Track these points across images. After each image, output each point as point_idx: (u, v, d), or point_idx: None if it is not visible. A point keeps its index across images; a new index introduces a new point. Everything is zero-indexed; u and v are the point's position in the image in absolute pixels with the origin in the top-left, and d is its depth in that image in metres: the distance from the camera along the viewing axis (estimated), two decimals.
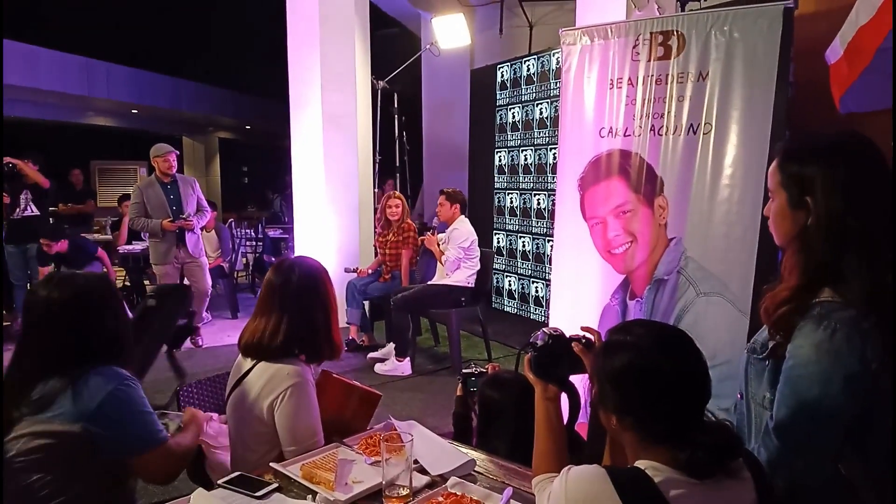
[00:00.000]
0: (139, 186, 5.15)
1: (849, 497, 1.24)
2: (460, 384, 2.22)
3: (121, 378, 1.57)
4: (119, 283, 6.93)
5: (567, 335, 1.46)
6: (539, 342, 1.43)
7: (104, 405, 1.51)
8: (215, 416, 2.12)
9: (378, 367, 4.71)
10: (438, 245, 4.93)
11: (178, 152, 5.15)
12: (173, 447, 1.65)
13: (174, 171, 5.07)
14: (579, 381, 1.49)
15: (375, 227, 5.39)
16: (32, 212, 5.75)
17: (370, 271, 5.33)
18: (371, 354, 4.90)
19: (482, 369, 2.20)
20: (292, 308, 1.80)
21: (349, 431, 1.85)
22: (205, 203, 5.29)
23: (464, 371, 2.21)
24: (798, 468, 1.24)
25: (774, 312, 1.27)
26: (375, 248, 5.43)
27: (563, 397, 1.46)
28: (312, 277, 1.86)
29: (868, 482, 1.23)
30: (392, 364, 4.69)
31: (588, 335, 1.45)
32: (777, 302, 1.27)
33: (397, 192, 5.34)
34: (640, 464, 1.12)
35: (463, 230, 4.80)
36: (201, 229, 5.36)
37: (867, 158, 1.28)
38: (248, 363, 1.82)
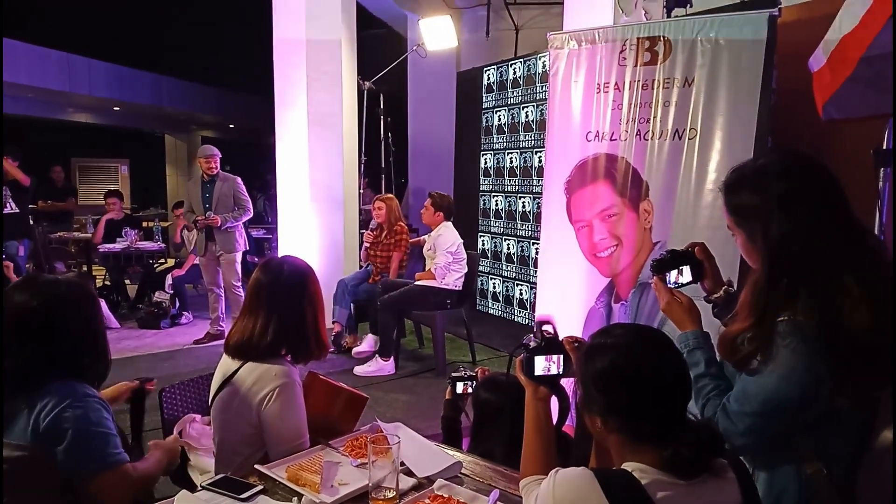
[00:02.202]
0: (187, 182, 5.70)
1: (811, 496, 1.31)
2: (449, 387, 2.21)
3: (76, 396, 1.49)
4: (98, 283, 6.83)
5: (559, 337, 1.46)
6: (532, 343, 1.43)
7: (52, 426, 1.45)
8: (198, 417, 2.10)
9: (360, 370, 4.69)
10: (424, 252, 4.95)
11: (219, 154, 5.47)
12: (129, 471, 1.55)
13: (214, 171, 5.41)
14: (566, 384, 1.50)
15: (369, 231, 5.34)
16: (12, 209, 5.65)
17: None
18: (356, 349, 4.88)
19: (471, 373, 2.20)
20: (281, 307, 1.78)
21: (335, 433, 1.84)
22: (244, 202, 5.50)
23: (453, 374, 2.21)
24: (738, 443, 1.32)
25: (730, 352, 1.33)
26: (366, 252, 5.35)
27: (553, 400, 1.47)
28: (301, 275, 1.85)
29: (831, 483, 1.29)
30: (377, 364, 4.67)
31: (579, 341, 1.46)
32: (728, 339, 1.33)
33: (385, 195, 5.32)
34: (627, 466, 1.13)
35: (448, 235, 4.79)
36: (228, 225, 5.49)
37: (804, 179, 1.29)
38: (234, 364, 1.79)
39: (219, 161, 5.45)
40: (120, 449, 1.54)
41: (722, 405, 1.33)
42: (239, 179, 5.58)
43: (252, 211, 5.67)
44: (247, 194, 5.58)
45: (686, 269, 1.61)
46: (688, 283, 1.61)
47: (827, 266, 1.24)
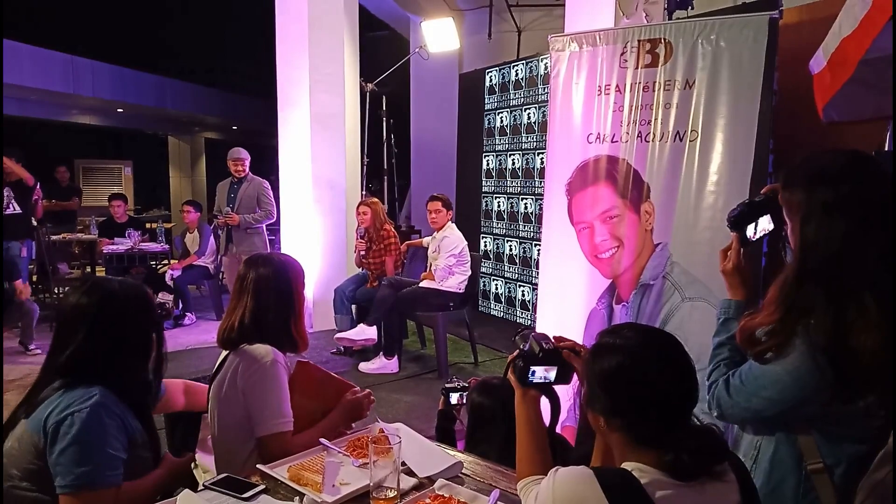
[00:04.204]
0: (219, 183, 5.82)
1: (808, 490, 1.33)
2: (443, 398, 2.23)
3: (89, 402, 1.46)
4: None
5: (554, 346, 1.44)
6: (528, 346, 1.43)
7: (55, 426, 1.43)
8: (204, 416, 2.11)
9: (364, 366, 4.71)
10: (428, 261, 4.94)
11: (248, 157, 5.62)
12: (112, 496, 1.47)
13: (242, 173, 5.57)
14: (565, 385, 1.50)
15: (360, 239, 5.30)
16: (15, 210, 5.67)
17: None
18: (339, 335, 4.85)
19: (465, 383, 2.22)
20: (250, 296, 1.85)
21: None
22: (267, 205, 5.59)
23: (446, 385, 2.24)
24: (727, 414, 1.39)
25: (750, 344, 1.33)
26: (360, 259, 5.31)
27: (544, 402, 1.47)
28: (275, 269, 1.89)
29: (831, 481, 1.30)
30: (380, 361, 4.70)
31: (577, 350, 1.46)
32: (749, 332, 1.33)
33: (369, 199, 5.32)
34: (627, 465, 1.14)
35: (453, 237, 4.80)
36: (219, 227, 5.69)
37: (853, 184, 1.25)
38: (225, 353, 1.86)
39: (247, 164, 5.57)
40: (114, 470, 1.48)
41: (726, 376, 1.37)
42: (266, 183, 5.66)
43: (275, 215, 5.71)
44: (272, 198, 5.64)
45: (765, 218, 1.43)
46: (770, 232, 1.44)
47: (850, 280, 1.22)
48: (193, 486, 1.70)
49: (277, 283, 1.87)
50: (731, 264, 1.49)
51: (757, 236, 1.46)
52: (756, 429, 1.42)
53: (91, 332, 1.54)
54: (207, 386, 1.96)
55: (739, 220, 1.47)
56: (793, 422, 1.32)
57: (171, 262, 6.70)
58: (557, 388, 1.48)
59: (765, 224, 1.45)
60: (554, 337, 1.47)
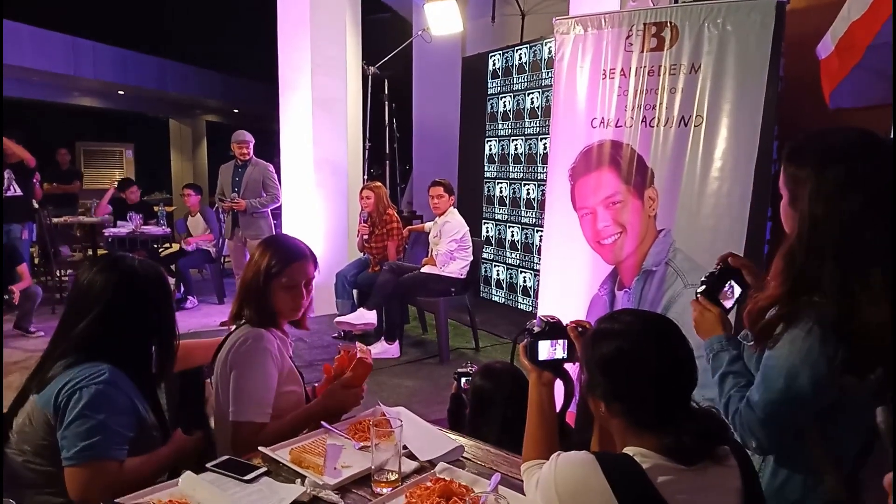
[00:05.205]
0: (221, 166, 5.81)
1: (816, 485, 1.31)
2: (455, 383, 2.25)
3: (100, 377, 1.47)
4: None
5: (563, 323, 1.47)
6: (536, 328, 1.44)
7: (65, 401, 1.44)
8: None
9: None
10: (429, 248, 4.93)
11: (252, 140, 5.62)
12: (112, 469, 1.46)
13: (247, 156, 5.58)
14: (570, 369, 1.51)
15: (363, 223, 5.27)
16: (15, 192, 5.66)
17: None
18: (338, 319, 4.85)
19: (475, 367, 2.23)
20: (246, 277, 1.87)
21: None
22: (273, 188, 5.60)
23: (459, 370, 2.25)
24: (761, 437, 1.30)
25: (757, 322, 1.31)
26: (362, 243, 5.30)
27: (558, 384, 1.48)
28: (261, 250, 1.88)
29: (838, 474, 1.29)
30: (381, 346, 4.71)
31: (583, 325, 1.46)
32: (757, 310, 1.31)
33: (373, 183, 5.30)
34: (629, 450, 1.14)
35: (455, 222, 4.79)
36: (220, 211, 5.83)
37: (865, 163, 1.24)
38: None
39: (252, 147, 5.57)
40: (119, 446, 1.48)
41: (745, 399, 1.31)
42: (271, 167, 5.66)
43: (280, 199, 5.71)
44: (277, 182, 5.64)
45: (730, 283, 1.51)
46: (740, 295, 1.50)
47: (859, 257, 1.22)
48: (200, 465, 1.70)
49: (260, 261, 1.85)
50: (696, 313, 1.52)
51: (733, 305, 1.50)
52: (790, 448, 1.33)
53: (105, 309, 1.54)
54: (198, 341, 1.99)
55: (711, 291, 1.51)
56: (808, 418, 1.29)
57: (173, 245, 6.72)
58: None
59: (735, 289, 1.50)
60: (570, 323, 1.47)
